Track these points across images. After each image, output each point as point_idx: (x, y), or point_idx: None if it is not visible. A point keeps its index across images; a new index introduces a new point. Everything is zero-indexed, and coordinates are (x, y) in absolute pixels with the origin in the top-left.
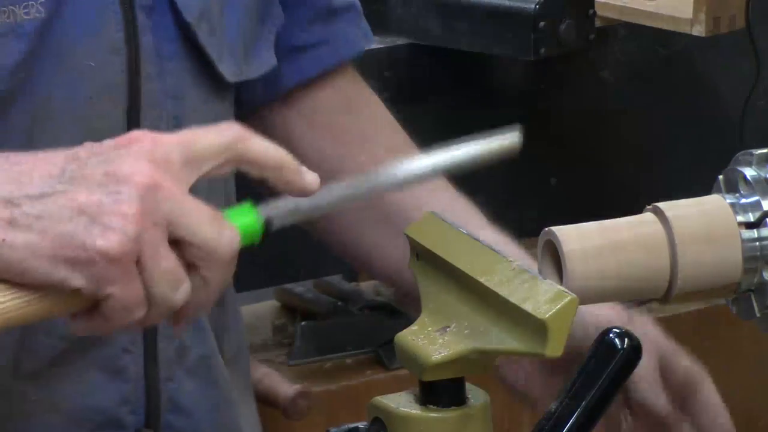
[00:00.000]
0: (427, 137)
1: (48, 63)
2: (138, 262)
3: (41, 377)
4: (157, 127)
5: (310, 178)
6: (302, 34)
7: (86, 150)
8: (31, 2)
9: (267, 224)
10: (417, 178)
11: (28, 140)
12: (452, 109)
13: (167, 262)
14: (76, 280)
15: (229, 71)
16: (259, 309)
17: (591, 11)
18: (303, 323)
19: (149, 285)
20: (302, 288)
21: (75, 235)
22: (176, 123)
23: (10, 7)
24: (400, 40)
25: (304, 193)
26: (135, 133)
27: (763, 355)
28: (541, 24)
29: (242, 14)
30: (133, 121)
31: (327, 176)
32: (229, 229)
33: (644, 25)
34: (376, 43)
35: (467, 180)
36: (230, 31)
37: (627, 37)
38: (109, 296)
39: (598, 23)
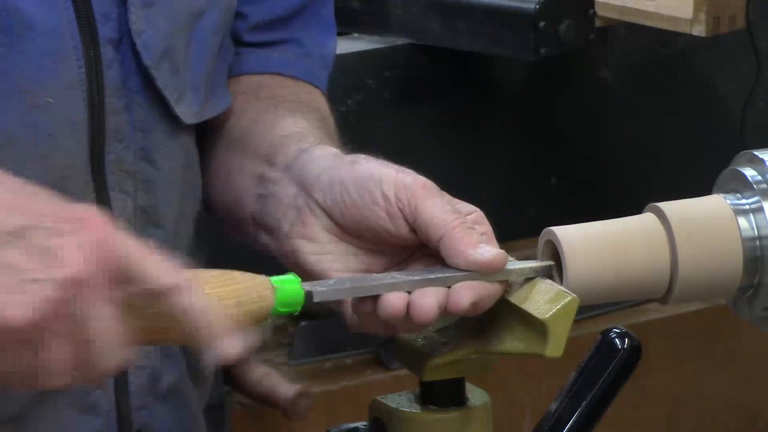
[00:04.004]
0: (427, 137)
1: (5, 100)
2: (40, 346)
3: (19, 420)
4: (123, 160)
5: (229, 344)
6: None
7: (46, 210)
8: None
9: (308, 296)
10: (446, 281)
11: None
12: (452, 109)
13: (61, 358)
14: None
15: (188, 113)
16: None
17: (591, 11)
18: (303, 323)
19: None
20: None
21: None
22: (144, 155)
23: None
24: (400, 40)
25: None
26: (93, 217)
27: (763, 355)
28: (541, 24)
29: (206, 50)
30: (96, 156)
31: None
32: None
33: (644, 25)
34: (376, 43)
35: (467, 179)
36: (195, 69)
37: (627, 37)
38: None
39: (598, 23)
